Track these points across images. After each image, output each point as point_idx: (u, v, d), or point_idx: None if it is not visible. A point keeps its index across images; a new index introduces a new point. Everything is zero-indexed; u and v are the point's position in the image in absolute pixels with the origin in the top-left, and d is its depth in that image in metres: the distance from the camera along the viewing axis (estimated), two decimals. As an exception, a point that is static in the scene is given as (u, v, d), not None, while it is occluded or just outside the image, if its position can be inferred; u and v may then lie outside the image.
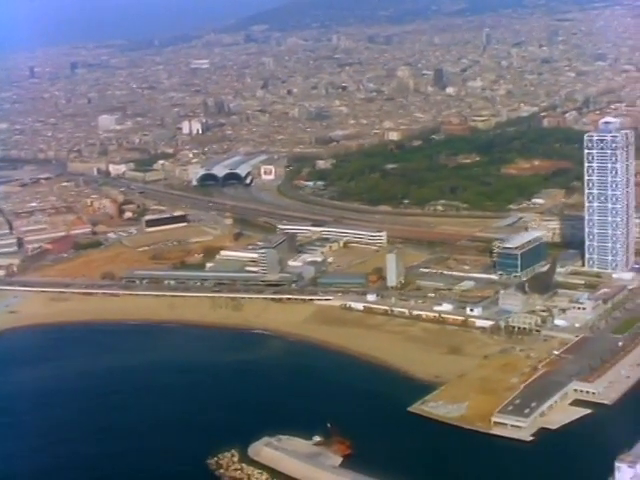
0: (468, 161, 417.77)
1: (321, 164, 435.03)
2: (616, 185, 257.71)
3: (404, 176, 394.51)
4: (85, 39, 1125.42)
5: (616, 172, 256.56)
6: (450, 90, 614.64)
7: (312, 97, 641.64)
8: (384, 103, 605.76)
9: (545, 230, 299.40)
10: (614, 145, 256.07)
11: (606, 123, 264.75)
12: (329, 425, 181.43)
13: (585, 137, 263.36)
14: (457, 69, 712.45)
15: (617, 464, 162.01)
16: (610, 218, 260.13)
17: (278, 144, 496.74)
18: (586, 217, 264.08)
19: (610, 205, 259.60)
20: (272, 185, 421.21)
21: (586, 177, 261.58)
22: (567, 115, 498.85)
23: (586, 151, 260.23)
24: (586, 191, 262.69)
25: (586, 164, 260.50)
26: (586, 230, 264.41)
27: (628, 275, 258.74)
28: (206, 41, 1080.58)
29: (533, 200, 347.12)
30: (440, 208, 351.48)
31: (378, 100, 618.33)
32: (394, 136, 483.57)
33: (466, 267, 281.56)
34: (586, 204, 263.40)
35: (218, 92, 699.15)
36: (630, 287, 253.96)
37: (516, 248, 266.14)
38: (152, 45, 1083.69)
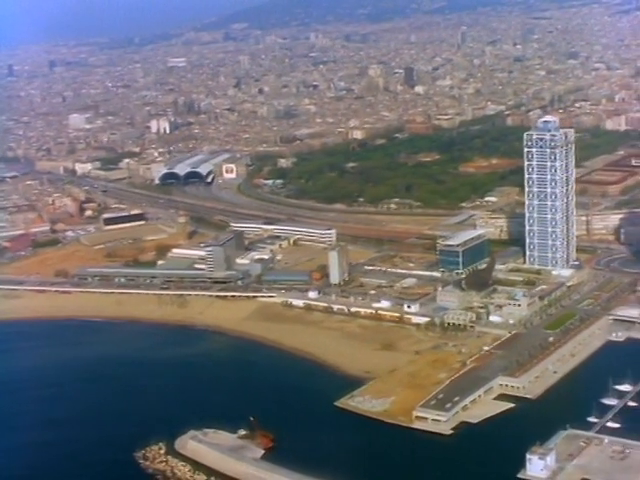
0: (428, 159, 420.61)
1: (282, 163, 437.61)
2: (555, 183, 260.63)
3: (361, 174, 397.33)
4: (67, 37, 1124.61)
5: (555, 170, 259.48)
6: (419, 89, 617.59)
7: (283, 96, 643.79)
8: (353, 102, 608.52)
9: (492, 228, 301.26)
10: (553, 144, 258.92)
11: (545, 122, 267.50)
12: (251, 419, 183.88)
13: (524, 136, 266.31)
14: (429, 67, 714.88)
15: (528, 456, 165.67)
16: (549, 215, 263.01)
17: (242, 143, 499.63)
18: (526, 215, 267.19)
19: (549, 203, 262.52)
20: (233, 184, 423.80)
21: (526, 175, 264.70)
22: (531, 114, 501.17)
23: (526, 149, 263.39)
24: (526, 189, 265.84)
25: (526, 162, 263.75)
26: (526, 228, 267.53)
27: (567, 272, 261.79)
28: (186, 39, 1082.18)
29: (486, 198, 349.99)
30: (393, 206, 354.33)
31: (347, 99, 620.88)
32: (358, 135, 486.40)
33: (411, 264, 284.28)
34: (526, 202, 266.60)
35: (191, 91, 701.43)
36: (569, 284, 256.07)
37: (458, 245, 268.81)
38: (132, 43, 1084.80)
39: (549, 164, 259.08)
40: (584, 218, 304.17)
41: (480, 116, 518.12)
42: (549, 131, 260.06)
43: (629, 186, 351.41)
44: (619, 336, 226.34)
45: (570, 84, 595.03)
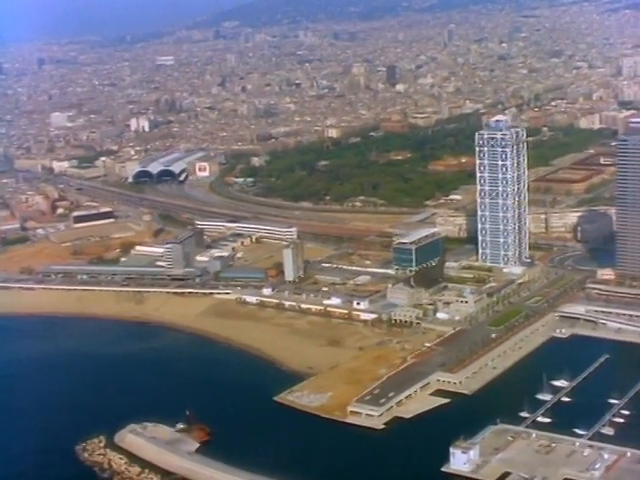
0: (399, 158, 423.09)
1: (256, 161, 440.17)
2: (506, 182, 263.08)
3: (331, 173, 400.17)
4: (60, 35, 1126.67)
5: (506, 169, 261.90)
6: (400, 87, 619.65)
7: (265, 94, 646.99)
8: (333, 100, 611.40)
9: (452, 226, 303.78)
10: (504, 143, 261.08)
11: (497, 121, 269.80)
12: (187, 413, 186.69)
13: (476, 135, 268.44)
14: (413, 66, 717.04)
15: (452, 450, 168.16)
16: (501, 214, 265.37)
17: (219, 141, 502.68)
18: (478, 213, 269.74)
19: (501, 201, 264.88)
20: (205, 182, 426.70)
21: (478, 174, 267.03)
22: (506, 112, 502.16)
23: (477, 148, 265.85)
24: (478, 188, 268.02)
25: (478, 161, 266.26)
26: (479, 226, 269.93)
27: (518, 269, 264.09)
28: (177, 37, 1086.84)
29: (451, 196, 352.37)
30: (358, 204, 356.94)
31: (328, 97, 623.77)
32: (333, 133, 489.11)
33: (367, 262, 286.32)
34: (478, 200, 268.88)
35: (176, 89, 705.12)
36: (519, 281, 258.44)
37: (411, 243, 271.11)
38: (124, 41, 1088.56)
39: (500, 163, 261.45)
40: (543, 216, 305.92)
41: (457, 115, 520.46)
42: (500, 130, 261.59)
43: (594, 184, 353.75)
44: (563, 332, 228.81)
45: (549, 83, 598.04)
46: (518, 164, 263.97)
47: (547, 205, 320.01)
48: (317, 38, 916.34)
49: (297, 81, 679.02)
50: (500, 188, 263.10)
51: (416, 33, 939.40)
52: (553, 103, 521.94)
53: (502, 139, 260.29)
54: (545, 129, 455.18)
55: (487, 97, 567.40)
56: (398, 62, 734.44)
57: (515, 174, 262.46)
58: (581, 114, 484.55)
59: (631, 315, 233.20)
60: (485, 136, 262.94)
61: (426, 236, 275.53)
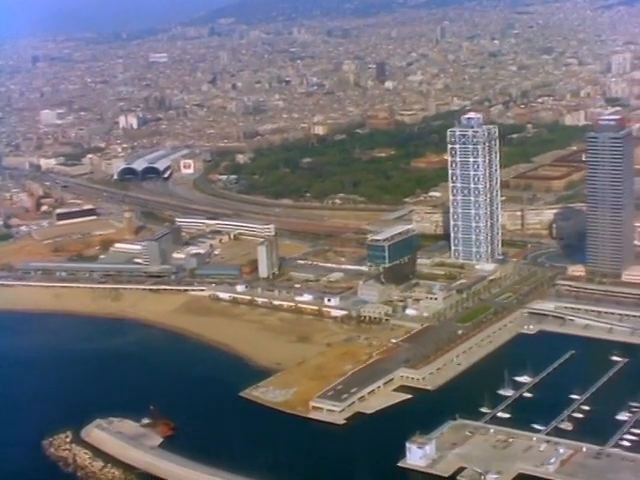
0: (383, 155, 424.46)
1: (240, 158, 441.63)
2: (478, 179, 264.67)
3: (313, 170, 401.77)
4: (57, 32, 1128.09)
5: (477, 166, 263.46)
6: (389, 84, 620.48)
7: (255, 91, 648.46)
8: (322, 97, 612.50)
9: (428, 223, 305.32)
10: (475, 140, 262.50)
11: (469, 119, 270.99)
12: (151, 408, 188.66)
13: (448, 132, 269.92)
14: (404, 63, 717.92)
15: (408, 445, 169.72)
16: (473, 211, 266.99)
17: (205, 138, 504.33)
18: (451, 210, 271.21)
19: (472, 198, 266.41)
20: (189, 179, 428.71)
21: (450, 171, 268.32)
22: (492, 109, 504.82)
23: (449, 146, 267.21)
24: (450, 185, 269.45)
25: (450, 159, 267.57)
26: (451, 223, 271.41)
27: (490, 266, 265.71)
28: (172, 34, 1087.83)
29: (430, 193, 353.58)
30: (338, 201, 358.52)
31: (317, 94, 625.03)
32: (319, 130, 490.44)
33: (342, 259, 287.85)
34: (450, 197, 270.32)
35: (167, 86, 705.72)
36: (490, 278, 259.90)
37: (384, 240, 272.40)
38: (120, 38, 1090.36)
39: (472, 160, 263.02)
40: (519, 213, 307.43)
41: (444, 112, 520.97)
42: (472, 127, 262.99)
43: (573, 181, 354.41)
44: (531, 329, 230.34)
45: (538, 79, 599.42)
46: (490, 161, 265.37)
47: (525, 202, 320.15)
48: (310, 35, 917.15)
49: (287, 78, 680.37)
50: (472, 185, 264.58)
51: (410, 30, 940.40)
52: (540, 100, 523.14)
53: (473, 136, 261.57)
54: (530, 126, 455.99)
55: (475, 94, 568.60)
56: (389, 59, 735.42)
57: (487, 171, 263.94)
58: (567, 111, 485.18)
59: (600, 311, 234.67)
60: (457, 133, 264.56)
61: (399, 233, 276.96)
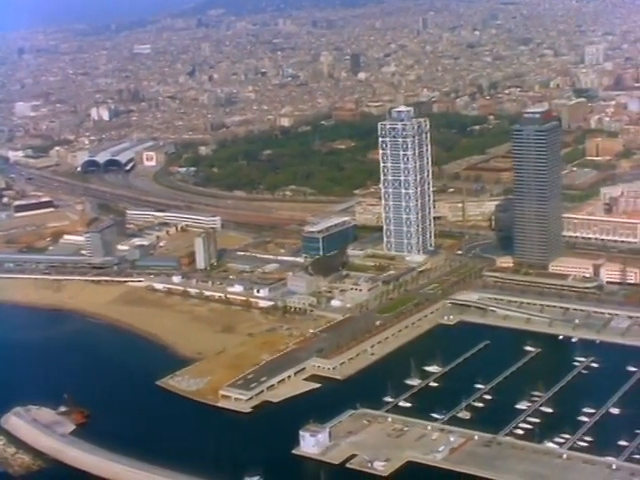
0: (342, 147, 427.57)
1: (203, 150, 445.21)
2: (408, 171, 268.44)
3: (270, 162, 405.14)
4: (48, 23, 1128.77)
5: (407, 159, 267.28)
6: (362, 75, 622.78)
7: (230, 83, 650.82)
8: (295, 89, 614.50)
9: (371, 215, 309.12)
10: (405, 133, 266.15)
11: (398, 112, 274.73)
12: (65, 396, 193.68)
13: (379, 125, 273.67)
14: (381, 54, 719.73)
15: (301, 433, 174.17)
16: (404, 203, 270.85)
17: (172, 130, 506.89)
18: (382, 202, 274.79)
19: (403, 190, 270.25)
20: (151, 171, 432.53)
21: (381, 164, 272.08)
22: (458, 100, 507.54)
23: (380, 139, 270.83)
24: (382, 177, 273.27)
25: (380, 152, 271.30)
26: (383, 215, 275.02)
27: (420, 258, 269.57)
28: (161, 26, 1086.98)
29: (380, 185, 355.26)
30: (289, 193, 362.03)
31: (291, 86, 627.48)
32: (285, 122, 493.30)
33: (282, 250, 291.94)
34: (382, 190, 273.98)
35: (146, 78, 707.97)
36: (420, 269, 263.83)
37: (319, 232, 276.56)
38: (109, 30, 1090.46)
39: (401, 153, 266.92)
40: (460, 204, 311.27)
41: (412, 103, 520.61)
42: (402, 121, 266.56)
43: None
44: (451, 319, 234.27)
45: (510, 70, 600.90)
46: (421, 154, 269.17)
47: (472, 193, 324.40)
48: (295, 26, 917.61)
49: (263, 70, 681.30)
50: (402, 178, 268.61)
51: (394, 20, 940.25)
52: (506, 91, 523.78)
53: (403, 129, 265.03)
54: (491, 117, 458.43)
55: (445, 85, 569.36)
56: (368, 50, 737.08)
57: (417, 164, 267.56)
58: (531, 102, 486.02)
59: (521, 302, 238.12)
60: (387, 126, 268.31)
61: (335, 225, 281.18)
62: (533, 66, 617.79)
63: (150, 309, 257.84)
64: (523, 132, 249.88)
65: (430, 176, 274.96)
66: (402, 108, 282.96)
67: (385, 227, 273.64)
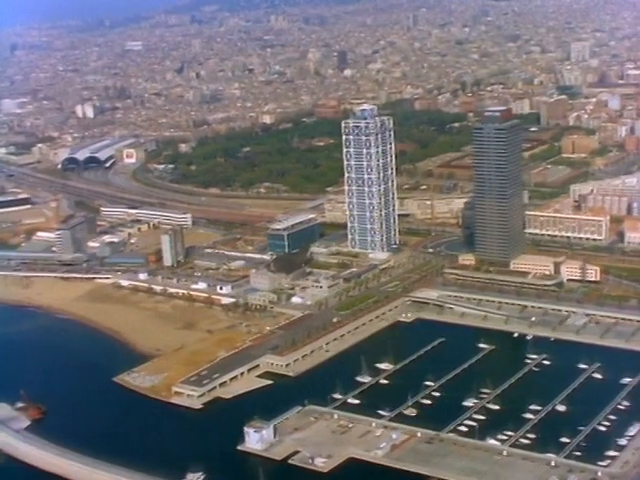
0: (321, 144, 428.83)
1: (183, 147, 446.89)
2: (371, 169, 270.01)
3: (248, 159, 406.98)
4: (43, 19, 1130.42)
5: (370, 157, 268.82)
6: (348, 72, 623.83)
7: (217, 80, 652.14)
8: (280, 86, 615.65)
9: (340, 212, 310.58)
10: (368, 131, 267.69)
11: (362, 110, 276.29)
12: (22, 391, 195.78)
13: (342, 123, 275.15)
14: (370, 51, 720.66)
15: (246, 429, 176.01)
16: (367, 201, 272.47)
17: (154, 128, 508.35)
18: (346, 200, 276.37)
19: (366, 188, 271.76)
20: (130, 168, 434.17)
21: (345, 162, 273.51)
22: (440, 97, 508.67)
23: (344, 137, 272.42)
24: (345, 175, 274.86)
25: (344, 149, 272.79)
26: (347, 212, 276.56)
27: (383, 255, 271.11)
28: (155, 22, 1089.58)
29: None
30: (263, 190, 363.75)
31: (276, 83, 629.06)
32: (267, 119, 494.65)
33: (250, 247, 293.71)
34: (346, 188, 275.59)
35: (135, 75, 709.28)
36: (382, 266, 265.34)
37: (284, 229, 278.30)
38: (103, 26, 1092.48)
39: (365, 151, 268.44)
40: (428, 202, 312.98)
41: (394, 100, 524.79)
42: (365, 119, 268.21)
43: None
44: (408, 317, 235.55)
45: (495, 67, 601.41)
46: (384, 152, 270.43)
47: (444, 191, 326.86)
48: (287, 23, 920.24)
49: (251, 66, 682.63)
50: (365, 176, 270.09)
51: (386, 17, 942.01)
52: (489, 88, 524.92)
53: (366, 127, 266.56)
54: (471, 114, 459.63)
55: (429, 82, 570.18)
56: (357, 47, 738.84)
57: (380, 161, 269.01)
58: (513, 99, 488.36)
59: (480, 300, 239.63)
60: (350, 124, 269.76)
61: (301, 222, 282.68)
62: (519, 63, 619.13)
63: (115, 306, 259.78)
64: (483, 131, 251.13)
65: (394, 174, 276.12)
66: (366, 106, 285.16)
67: (349, 225, 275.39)
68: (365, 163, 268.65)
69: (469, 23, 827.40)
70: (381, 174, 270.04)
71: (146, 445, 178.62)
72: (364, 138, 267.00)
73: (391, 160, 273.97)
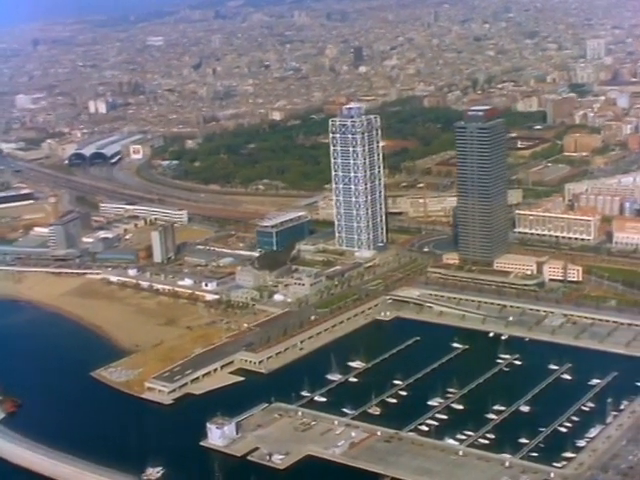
0: (325, 141, 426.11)
1: (190, 144, 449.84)
2: (357, 168, 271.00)
3: (251, 156, 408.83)
4: (68, 14, 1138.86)
5: (357, 155, 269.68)
6: (362, 69, 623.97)
7: (233, 76, 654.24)
8: (295, 82, 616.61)
9: (333, 209, 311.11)
10: (354, 130, 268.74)
11: (349, 108, 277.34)
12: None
13: (330, 122, 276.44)
14: (388, 47, 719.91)
15: (208, 425, 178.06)
16: (353, 199, 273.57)
17: (163, 124, 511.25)
18: (334, 198, 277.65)
19: (353, 187, 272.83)
20: (136, 164, 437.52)
21: (332, 160, 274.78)
22: (449, 95, 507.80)
23: (331, 135, 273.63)
24: (332, 174, 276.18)
25: (331, 148, 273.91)
26: (335, 210, 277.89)
27: (369, 253, 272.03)
28: (179, 17, 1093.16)
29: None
30: (261, 187, 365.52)
31: (290, 79, 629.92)
32: (276, 116, 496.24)
33: (241, 244, 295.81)
34: (333, 186, 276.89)
35: (152, 70, 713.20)
36: (367, 265, 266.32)
37: (272, 227, 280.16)
38: (127, 21, 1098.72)
39: (351, 149, 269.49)
40: (421, 200, 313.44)
41: (405, 97, 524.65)
42: (351, 117, 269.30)
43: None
44: (387, 315, 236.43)
45: (509, 65, 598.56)
46: (371, 150, 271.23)
47: (440, 189, 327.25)
48: (309, 18, 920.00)
49: (267, 62, 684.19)
50: (352, 174, 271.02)
51: (409, 13, 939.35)
52: (499, 86, 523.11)
53: (352, 126, 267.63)
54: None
55: (442, 79, 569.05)
56: (375, 43, 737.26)
57: (367, 160, 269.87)
58: (522, 97, 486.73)
59: (460, 299, 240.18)
60: (337, 123, 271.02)
61: (290, 219, 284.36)
62: (534, 60, 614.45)
63: (101, 301, 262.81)
64: (466, 129, 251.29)
65: (382, 172, 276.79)
66: (352, 105, 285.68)
67: (336, 222, 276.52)
68: (351, 161, 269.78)
69: (490, 19, 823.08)
70: (367, 172, 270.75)
71: (112, 440, 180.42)
72: (350, 136, 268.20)
73: (378, 158, 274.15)
